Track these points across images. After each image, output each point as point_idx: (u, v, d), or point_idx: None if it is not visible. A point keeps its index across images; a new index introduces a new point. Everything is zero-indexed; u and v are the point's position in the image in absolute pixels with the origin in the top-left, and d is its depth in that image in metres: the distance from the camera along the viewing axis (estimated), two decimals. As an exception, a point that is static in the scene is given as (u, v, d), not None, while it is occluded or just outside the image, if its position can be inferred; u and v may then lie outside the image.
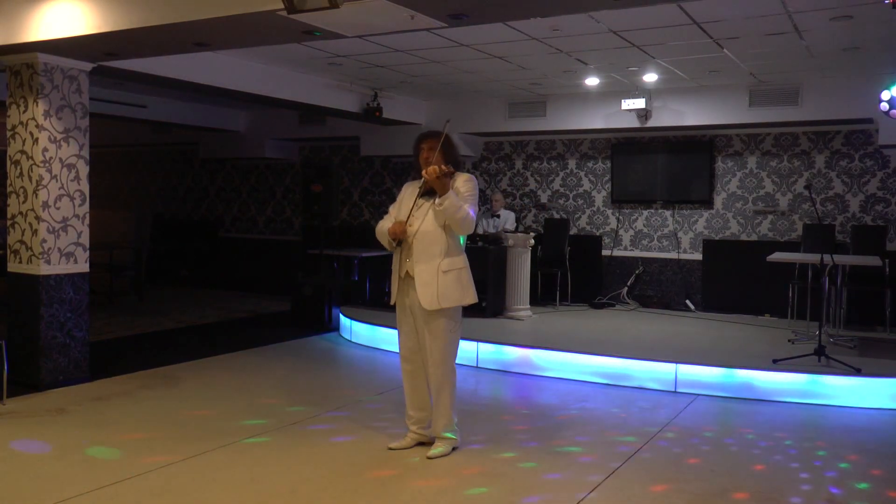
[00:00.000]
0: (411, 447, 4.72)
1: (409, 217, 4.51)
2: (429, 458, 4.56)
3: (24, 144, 6.12)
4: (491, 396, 6.33)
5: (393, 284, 4.65)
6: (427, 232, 4.49)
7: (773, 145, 9.39)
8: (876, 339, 7.79)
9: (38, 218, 6.04)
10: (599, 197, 10.31)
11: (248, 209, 12.89)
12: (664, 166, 9.82)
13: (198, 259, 12.99)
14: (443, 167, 4.38)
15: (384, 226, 4.63)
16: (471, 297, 4.60)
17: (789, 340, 7.48)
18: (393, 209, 4.73)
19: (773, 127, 9.17)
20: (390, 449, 4.70)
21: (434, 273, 4.46)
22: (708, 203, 9.67)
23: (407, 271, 4.54)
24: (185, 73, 7.27)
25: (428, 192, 4.50)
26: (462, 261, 4.59)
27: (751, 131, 9.42)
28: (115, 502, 3.89)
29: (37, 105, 6.03)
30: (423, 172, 4.45)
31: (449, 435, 4.66)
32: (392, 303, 4.68)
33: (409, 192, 4.69)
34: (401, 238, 4.51)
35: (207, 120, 11.16)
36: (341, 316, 8.82)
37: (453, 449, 4.69)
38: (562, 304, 9.84)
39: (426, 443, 4.73)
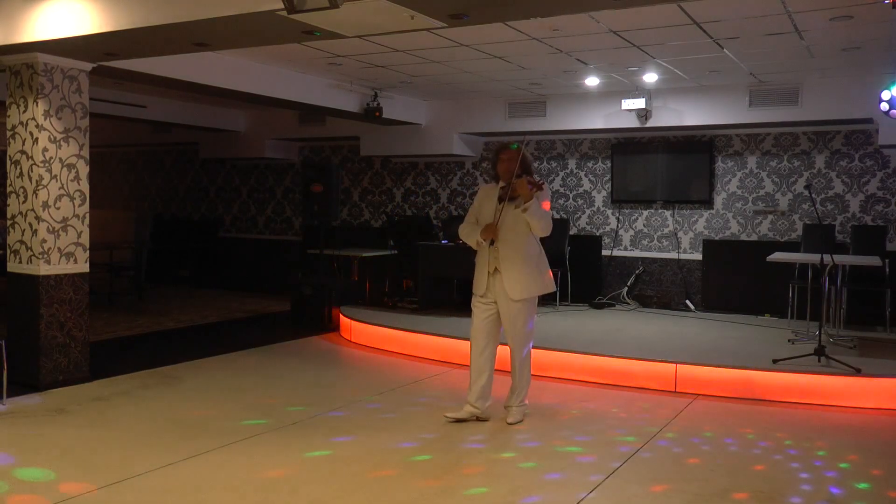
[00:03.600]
0: (466, 420, 5.30)
1: (498, 218, 5.13)
2: (510, 423, 5.27)
3: (23, 144, 6.12)
4: (491, 396, 6.32)
5: (480, 278, 5.26)
6: (511, 233, 5.14)
7: (773, 145, 9.39)
8: (876, 339, 7.79)
9: (38, 218, 6.04)
10: (599, 197, 10.31)
11: (248, 209, 12.89)
12: (664, 166, 9.82)
13: (198, 259, 12.99)
14: (533, 179, 5.06)
15: (470, 232, 5.26)
16: (551, 286, 5.37)
17: (789, 340, 7.48)
18: (471, 212, 5.37)
19: (773, 127, 9.17)
20: (447, 417, 5.30)
21: (521, 268, 5.15)
22: (708, 203, 9.67)
23: (496, 267, 5.18)
24: (185, 73, 7.27)
25: (504, 198, 5.10)
26: (541, 256, 5.30)
27: (751, 131, 9.42)
28: (115, 502, 3.89)
29: (37, 105, 6.03)
30: (516, 183, 5.01)
31: (524, 404, 5.39)
32: (481, 294, 5.27)
33: (487, 194, 5.33)
34: (494, 239, 5.13)
35: (207, 120, 11.16)
36: (341, 316, 8.82)
37: (524, 416, 5.38)
38: (562, 304, 9.84)
39: (481, 418, 5.34)
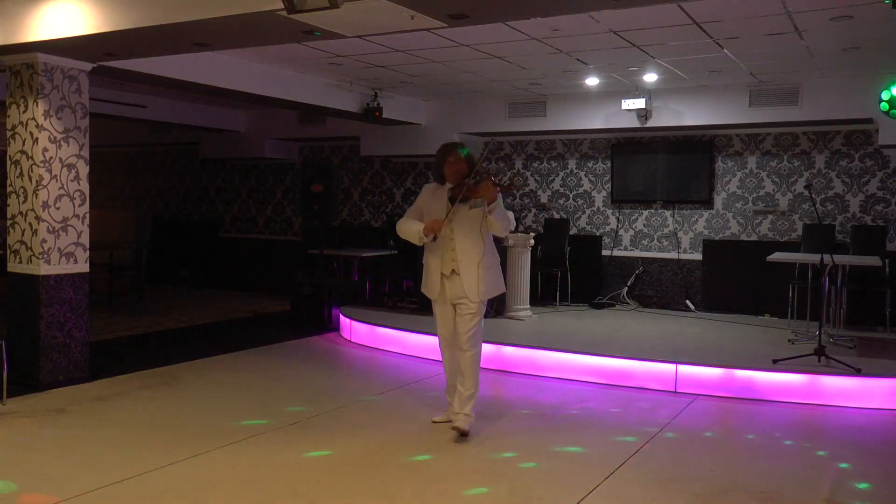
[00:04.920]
0: (451, 421, 5.14)
1: (446, 217, 4.94)
2: (457, 429, 5.00)
3: (24, 144, 6.12)
4: (491, 396, 6.32)
5: (433, 281, 5.10)
6: (469, 234, 4.99)
7: (773, 145, 9.39)
8: (876, 339, 7.79)
9: (38, 218, 6.04)
10: (599, 197, 10.31)
11: (248, 209, 12.89)
12: (664, 166, 9.82)
13: (198, 259, 12.99)
14: (498, 180, 4.91)
15: (411, 226, 5.05)
16: (503, 287, 5.26)
17: (789, 340, 7.48)
18: (414, 210, 5.16)
19: (773, 127, 9.17)
20: (434, 422, 5.27)
21: (479, 269, 5.00)
22: (708, 203, 9.67)
23: (453, 269, 5.01)
24: (185, 73, 7.27)
25: (455, 199, 4.93)
26: (496, 258, 5.20)
27: (751, 131, 9.42)
28: (115, 502, 3.89)
29: (37, 105, 6.03)
30: (482, 184, 4.85)
31: (470, 415, 5.08)
32: (434, 298, 5.14)
33: (434, 194, 5.13)
34: (437, 235, 4.95)
35: (207, 120, 11.16)
36: (341, 316, 8.82)
37: (469, 427, 5.05)
38: (562, 304, 9.84)
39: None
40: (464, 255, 4.99)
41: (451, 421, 5.14)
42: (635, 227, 10.12)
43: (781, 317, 8.73)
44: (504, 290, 5.30)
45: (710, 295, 9.63)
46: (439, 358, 7.28)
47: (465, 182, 4.92)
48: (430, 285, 5.13)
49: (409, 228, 5.07)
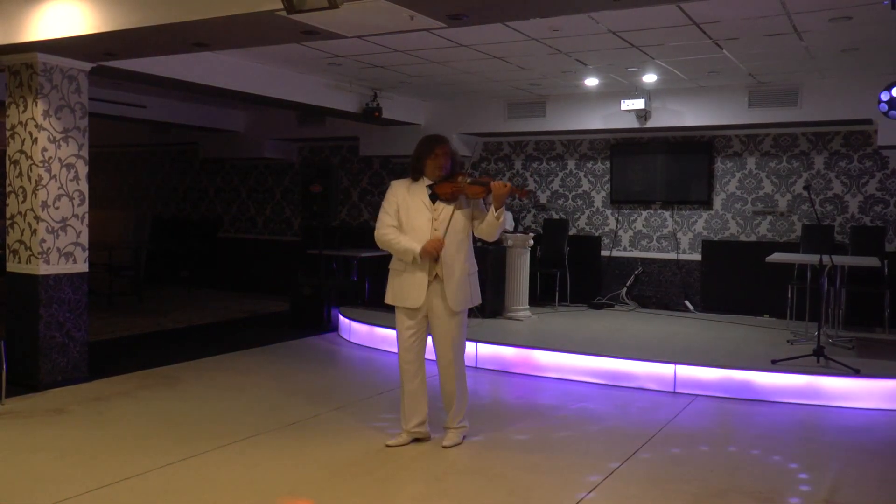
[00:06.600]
0: (408, 444, 4.84)
1: (448, 224, 4.57)
2: (446, 447, 4.77)
3: (23, 144, 6.12)
4: (490, 396, 6.33)
5: (416, 289, 4.63)
6: (455, 238, 4.63)
7: (772, 146, 9.39)
8: (875, 339, 7.80)
9: (37, 218, 6.03)
10: (598, 197, 10.31)
11: (248, 209, 12.88)
12: (663, 167, 9.82)
13: (197, 259, 12.98)
14: (519, 189, 4.61)
15: (400, 242, 4.62)
16: (479, 298, 4.90)
17: (788, 341, 7.49)
18: (389, 214, 4.74)
19: (772, 128, 9.18)
20: (388, 446, 4.80)
21: (463, 276, 4.68)
22: (707, 204, 9.67)
23: (436, 274, 4.64)
24: (184, 73, 7.26)
25: (441, 197, 4.63)
26: (475, 265, 4.87)
27: (750, 132, 9.43)
28: (115, 502, 3.89)
29: (36, 105, 6.03)
30: (494, 186, 4.47)
31: (463, 424, 4.92)
32: (417, 307, 4.66)
33: (411, 193, 4.71)
34: (439, 254, 4.54)
35: (207, 120, 11.16)
36: (340, 316, 8.82)
37: (463, 437, 4.91)
38: (561, 304, 9.85)
39: (422, 439, 4.88)
40: (448, 259, 4.60)
41: (405, 444, 4.82)
42: (634, 227, 10.12)
43: (780, 317, 8.73)
44: (480, 301, 4.88)
45: (709, 295, 9.63)
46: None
47: (456, 181, 4.57)
48: (414, 293, 4.63)
49: (398, 245, 4.60)
